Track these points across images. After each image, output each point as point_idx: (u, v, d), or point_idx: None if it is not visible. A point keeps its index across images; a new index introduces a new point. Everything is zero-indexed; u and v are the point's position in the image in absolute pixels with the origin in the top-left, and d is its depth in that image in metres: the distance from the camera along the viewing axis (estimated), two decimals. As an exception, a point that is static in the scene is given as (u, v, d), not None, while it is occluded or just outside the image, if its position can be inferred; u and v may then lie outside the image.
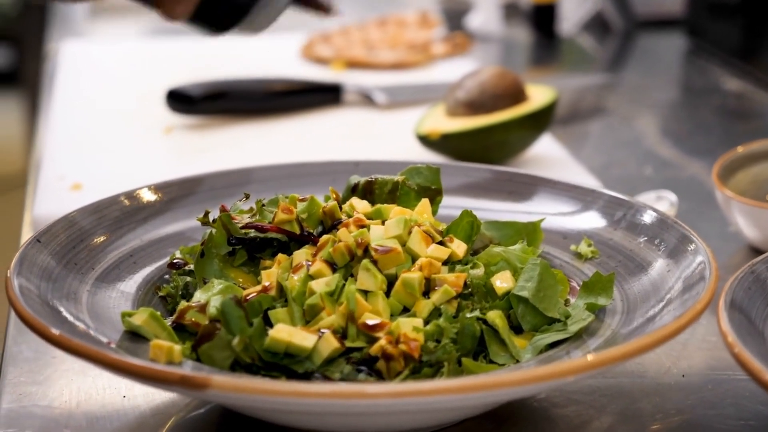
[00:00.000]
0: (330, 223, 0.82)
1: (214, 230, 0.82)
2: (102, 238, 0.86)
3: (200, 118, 1.37)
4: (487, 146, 1.18)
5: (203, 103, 1.35)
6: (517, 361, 0.75)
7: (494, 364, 0.75)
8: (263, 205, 0.83)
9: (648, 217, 0.87)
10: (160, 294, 0.83)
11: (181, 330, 0.77)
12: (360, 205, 0.83)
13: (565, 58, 1.96)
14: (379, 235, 0.79)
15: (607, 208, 0.89)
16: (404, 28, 1.83)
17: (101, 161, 1.25)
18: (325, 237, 0.79)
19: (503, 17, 1.99)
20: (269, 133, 1.34)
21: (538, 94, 1.22)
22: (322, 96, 1.43)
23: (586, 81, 1.64)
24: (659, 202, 1.09)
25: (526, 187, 0.93)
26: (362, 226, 0.80)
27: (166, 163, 1.25)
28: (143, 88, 1.49)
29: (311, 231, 0.82)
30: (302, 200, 0.83)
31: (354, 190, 0.87)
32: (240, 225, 0.82)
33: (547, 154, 1.25)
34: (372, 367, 0.73)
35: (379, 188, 0.86)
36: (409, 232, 0.79)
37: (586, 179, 1.18)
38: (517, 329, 0.78)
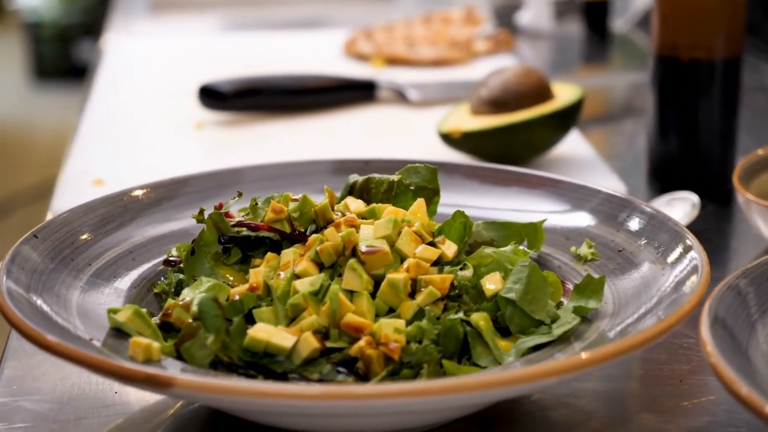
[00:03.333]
0: (322, 223, 0.82)
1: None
2: (102, 235, 0.86)
3: (231, 114, 1.38)
4: (510, 145, 1.16)
5: (234, 99, 1.35)
6: (500, 364, 0.74)
7: (476, 366, 0.74)
8: (256, 203, 0.83)
9: (651, 220, 0.85)
10: (155, 291, 0.83)
11: (170, 327, 0.77)
12: (354, 205, 0.83)
13: (617, 55, 1.93)
14: (368, 235, 0.78)
15: (611, 209, 0.88)
16: (449, 24, 1.82)
17: (128, 157, 1.26)
18: (313, 236, 0.79)
19: (555, 14, 1.97)
20: (299, 130, 1.34)
21: (564, 93, 1.20)
22: (355, 93, 1.43)
23: (635, 78, 1.61)
24: (680, 204, 1.07)
25: (531, 187, 0.92)
26: (353, 226, 0.80)
27: (193, 160, 1.26)
28: (182, 84, 1.50)
29: (302, 230, 0.81)
30: (295, 199, 0.82)
31: (351, 190, 0.87)
32: (232, 223, 0.82)
33: (573, 153, 1.23)
34: (352, 367, 0.72)
35: (375, 187, 0.86)
36: (400, 233, 0.79)
37: (609, 178, 1.16)
38: (507, 331, 0.77)
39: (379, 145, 1.28)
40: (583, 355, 0.66)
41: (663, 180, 1.18)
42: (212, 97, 1.36)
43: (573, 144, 1.25)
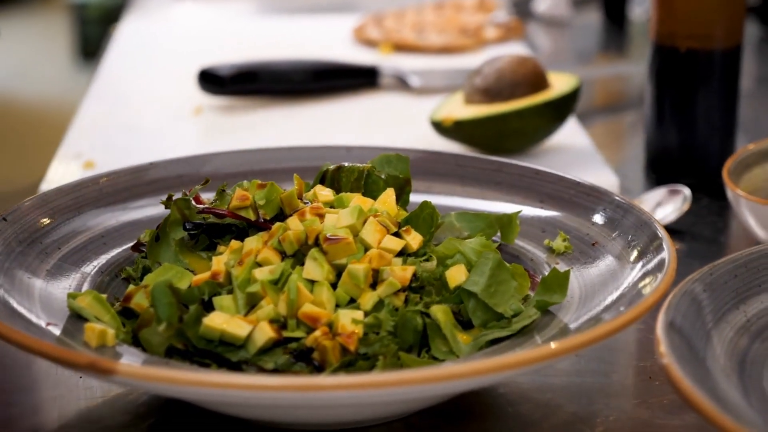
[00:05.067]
0: (289, 211, 0.81)
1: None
2: (74, 219, 0.86)
3: (231, 99, 1.37)
4: (502, 134, 1.15)
5: (233, 83, 1.35)
6: (458, 357, 0.73)
7: (434, 360, 0.73)
8: (224, 190, 0.83)
9: (626, 213, 0.84)
10: (123, 276, 0.83)
11: (134, 313, 0.77)
12: (323, 193, 0.82)
13: (635, 44, 1.91)
14: (333, 224, 0.78)
15: (588, 202, 0.87)
16: (461, 11, 1.80)
17: (123, 140, 1.26)
18: (277, 225, 0.78)
19: (573, 2, 1.95)
20: (297, 116, 1.33)
21: (560, 83, 1.19)
22: (357, 79, 1.42)
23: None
24: (672, 197, 1.05)
25: (509, 178, 0.91)
26: (320, 215, 0.79)
27: (189, 144, 1.25)
28: (185, 68, 1.49)
29: (267, 218, 0.81)
30: (261, 186, 0.81)
31: (323, 178, 0.86)
32: (197, 210, 0.81)
33: (569, 143, 1.22)
34: (308, 358, 0.71)
35: (345, 176, 0.85)
36: (365, 222, 0.78)
37: (601, 170, 1.14)
38: (471, 324, 0.76)
39: (375, 132, 1.27)
40: (524, 353, 0.65)
41: (659, 172, 1.17)
42: (211, 81, 1.35)
43: (570, 134, 1.24)
